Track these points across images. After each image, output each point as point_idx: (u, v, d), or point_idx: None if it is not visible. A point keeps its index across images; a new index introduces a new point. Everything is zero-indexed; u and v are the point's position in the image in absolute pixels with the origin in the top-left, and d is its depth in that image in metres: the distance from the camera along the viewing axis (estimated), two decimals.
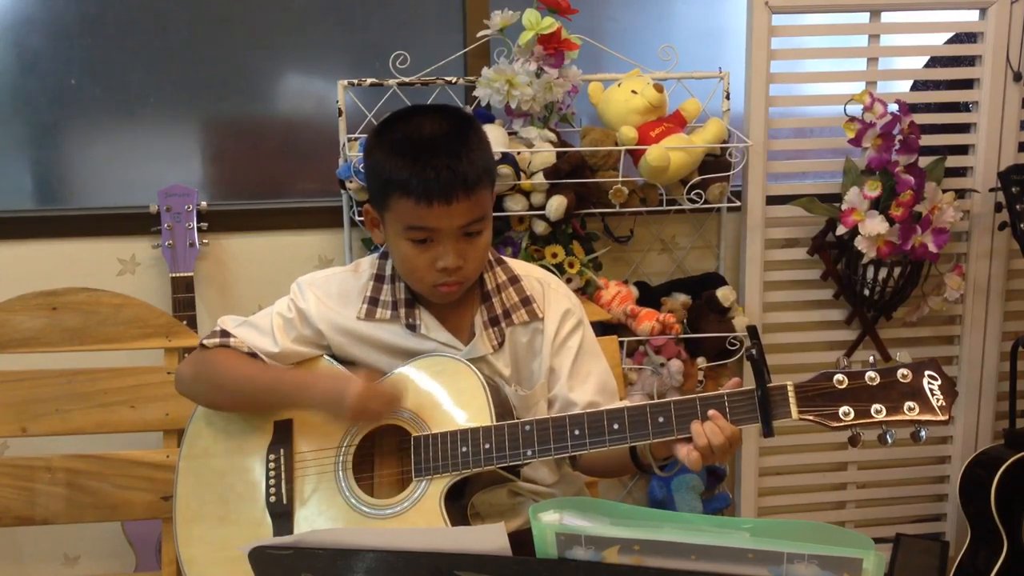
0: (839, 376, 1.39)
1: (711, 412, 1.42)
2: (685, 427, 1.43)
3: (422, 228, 1.51)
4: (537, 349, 1.65)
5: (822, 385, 1.39)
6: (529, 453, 1.49)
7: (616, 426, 1.46)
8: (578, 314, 1.68)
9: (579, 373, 1.64)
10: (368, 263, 1.67)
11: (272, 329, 1.63)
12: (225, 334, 1.64)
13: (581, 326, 1.67)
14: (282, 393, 1.59)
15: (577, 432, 1.47)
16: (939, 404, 1.37)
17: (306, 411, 1.60)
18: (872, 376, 1.39)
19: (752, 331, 1.44)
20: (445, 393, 1.55)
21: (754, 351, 1.39)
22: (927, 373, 1.38)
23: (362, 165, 1.70)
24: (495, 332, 1.62)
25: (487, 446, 1.49)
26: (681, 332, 2.60)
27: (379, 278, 1.64)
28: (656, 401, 1.46)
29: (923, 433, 1.37)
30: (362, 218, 1.68)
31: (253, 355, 1.62)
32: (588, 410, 1.50)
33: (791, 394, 1.40)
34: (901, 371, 1.39)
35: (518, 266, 1.69)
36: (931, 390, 1.38)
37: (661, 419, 1.44)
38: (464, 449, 1.50)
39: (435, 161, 1.47)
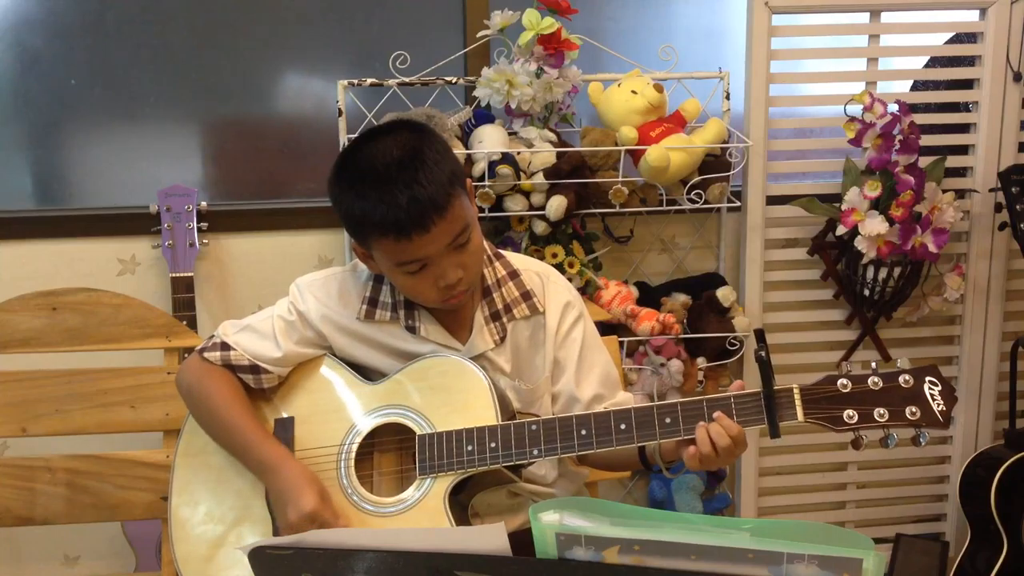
0: (843, 380, 1.42)
1: (716, 414, 1.43)
2: (692, 428, 1.44)
3: (412, 261, 1.49)
4: (539, 343, 1.65)
5: (827, 388, 1.43)
6: (536, 452, 1.49)
7: (623, 426, 1.46)
8: (579, 306, 1.69)
9: (583, 366, 1.65)
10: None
11: (274, 333, 1.62)
12: (225, 346, 1.63)
13: (582, 318, 1.68)
14: (250, 461, 1.58)
15: (584, 432, 1.48)
16: (939, 409, 1.41)
17: (306, 413, 1.60)
18: (875, 381, 1.42)
19: (759, 334, 1.46)
20: (449, 392, 1.55)
21: (763, 354, 1.41)
22: (927, 379, 1.42)
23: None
24: (497, 327, 1.62)
25: (493, 445, 1.49)
26: (681, 332, 2.60)
27: (378, 278, 1.64)
28: (663, 402, 1.47)
29: (923, 438, 1.42)
30: None
31: (254, 366, 1.61)
32: (595, 409, 1.51)
33: (797, 397, 1.42)
34: (903, 377, 1.42)
35: (517, 260, 1.69)
36: (931, 395, 1.42)
37: (668, 420, 1.46)
38: (470, 448, 1.50)
39: (398, 195, 1.43)
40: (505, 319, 1.63)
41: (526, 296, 1.65)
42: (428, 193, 1.44)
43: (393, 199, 1.44)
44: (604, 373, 1.66)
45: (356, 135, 1.60)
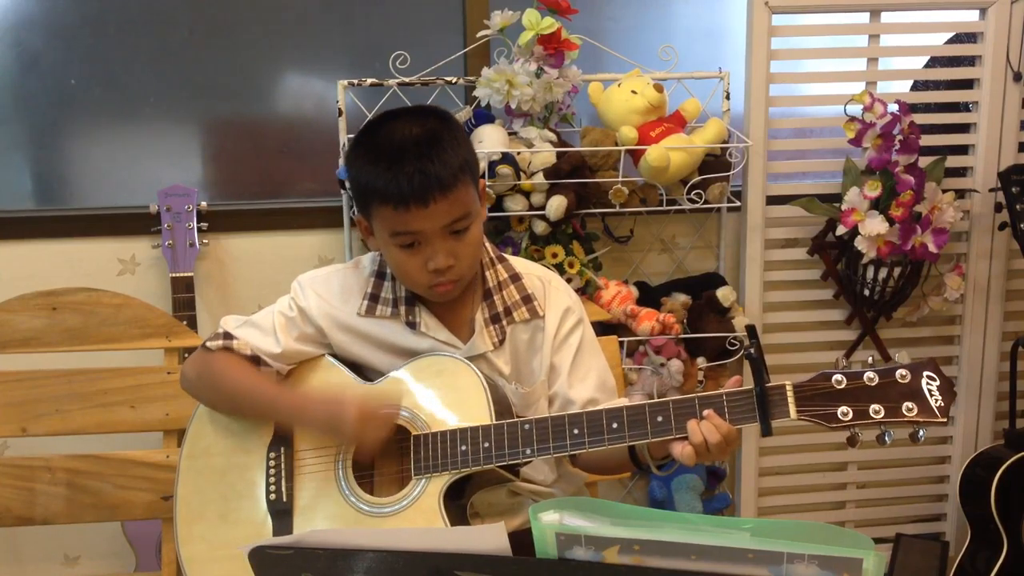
0: (838, 376, 1.39)
1: (706, 412, 1.42)
2: (684, 426, 1.43)
3: (406, 233, 1.51)
4: (538, 346, 1.65)
5: (821, 385, 1.39)
6: (528, 452, 1.49)
7: (615, 425, 1.46)
8: (578, 312, 1.69)
9: (579, 370, 1.65)
10: (369, 259, 1.68)
11: (274, 328, 1.63)
12: (228, 336, 1.64)
13: (581, 324, 1.68)
14: (279, 413, 1.59)
15: (576, 431, 1.47)
16: (938, 405, 1.37)
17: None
18: (871, 376, 1.38)
19: (751, 331, 1.44)
20: (445, 392, 1.55)
21: (753, 351, 1.39)
22: (926, 374, 1.38)
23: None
24: (496, 329, 1.62)
25: (486, 445, 1.49)
26: (681, 332, 2.60)
27: (380, 275, 1.65)
28: (655, 400, 1.46)
29: (922, 434, 1.37)
30: None
31: (256, 358, 1.62)
32: (587, 409, 1.51)
33: (790, 394, 1.39)
34: (900, 372, 1.38)
35: (519, 264, 1.70)
36: (929, 391, 1.38)
37: (660, 418, 1.44)
38: (463, 448, 1.50)
39: (406, 166, 1.47)
40: (504, 322, 1.63)
41: (527, 300, 1.65)
42: (435, 170, 1.47)
43: (400, 168, 1.47)
44: (600, 379, 1.66)
45: (381, 112, 1.62)
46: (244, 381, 1.60)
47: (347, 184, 2.45)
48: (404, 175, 1.46)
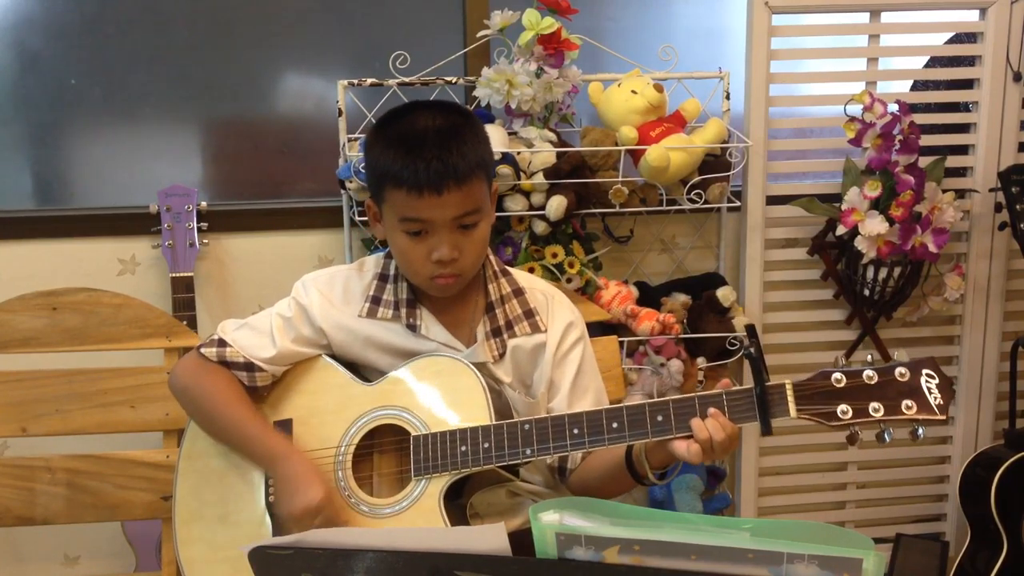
0: (837, 375, 1.40)
1: (711, 410, 1.42)
2: (684, 426, 1.43)
3: (415, 219, 1.52)
4: (538, 361, 1.66)
5: (820, 384, 1.40)
6: (528, 452, 1.49)
7: (615, 424, 1.46)
8: (580, 328, 1.69)
9: (578, 389, 1.66)
10: (373, 262, 1.68)
11: (271, 330, 1.63)
12: (222, 343, 1.64)
13: (582, 341, 1.69)
14: (255, 452, 1.59)
15: (576, 431, 1.48)
16: (937, 403, 1.38)
17: (304, 415, 1.61)
18: (870, 375, 1.39)
19: (750, 330, 1.45)
20: (444, 393, 1.56)
21: (752, 350, 1.39)
22: (925, 372, 1.39)
23: (362, 163, 1.73)
24: (497, 343, 1.63)
25: (486, 445, 1.50)
26: (681, 332, 2.60)
27: (383, 277, 1.65)
28: (655, 400, 1.46)
29: (921, 432, 1.38)
30: (362, 218, 1.69)
31: (249, 364, 1.62)
32: (586, 409, 1.51)
33: (789, 393, 1.40)
34: (899, 370, 1.39)
35: (523, 278, 1.70)
36: (928, 388, 1.38)
37: (660, 418, 1.45)
38: (463, 448, 1.50)
39: (425, 153, 1.48)
40: (506, 335, 1.64)
41: (528, 314, 1.66)
42: (453, 161, 1.49)
43: (420, 154, 1.49)
44: (597, 398, 1.68)
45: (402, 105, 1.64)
46: (230, 411, 1.59)
47: (346, 185, 2.45)
48: (422, 160, 1.48)
